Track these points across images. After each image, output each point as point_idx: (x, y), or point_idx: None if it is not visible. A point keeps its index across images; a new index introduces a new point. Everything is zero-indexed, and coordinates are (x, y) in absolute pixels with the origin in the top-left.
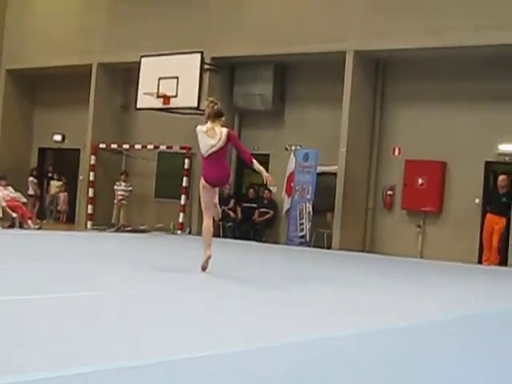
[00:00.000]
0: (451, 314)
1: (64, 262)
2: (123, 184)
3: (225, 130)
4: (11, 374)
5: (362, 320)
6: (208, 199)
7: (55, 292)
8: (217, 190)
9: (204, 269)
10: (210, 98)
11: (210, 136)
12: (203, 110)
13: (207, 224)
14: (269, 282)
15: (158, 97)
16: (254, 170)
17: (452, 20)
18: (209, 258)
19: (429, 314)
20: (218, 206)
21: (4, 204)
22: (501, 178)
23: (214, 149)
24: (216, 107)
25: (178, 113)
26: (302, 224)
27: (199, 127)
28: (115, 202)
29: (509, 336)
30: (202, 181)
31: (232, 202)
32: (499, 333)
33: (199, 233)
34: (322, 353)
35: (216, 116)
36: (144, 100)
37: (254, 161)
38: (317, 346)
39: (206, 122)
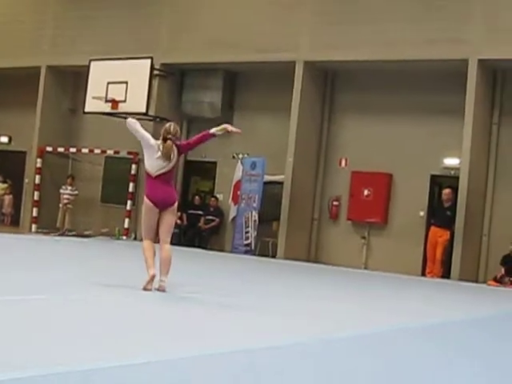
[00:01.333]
0: (396, 323)
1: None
2: (69, 188)
3: (175, 148)
4: None
5: (306, 328)
6: (151, 223)
7: None
8: (166, 216)
9: (147, 290)
10: (177, 128)
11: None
12: (152, 116)
13: (146, 244)
14: (212, 290)
15: (107, 101)
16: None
17: (401, 34)
18: (152, 278)
19: (373, 324)
20: (169, 237)
21: None
22: (446, 191)
23: (164, 170)
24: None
25: (127, 118)
26: (247, 232)
27: (152, 141)
28: (61, 205)
29: (454, 345)
30: (146, 200)
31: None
32: (446, 342)
33: None
34: (275, 360)
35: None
36: (92, 104)
37: (212, 129)
38: (264, 354)
39: (158, 140)
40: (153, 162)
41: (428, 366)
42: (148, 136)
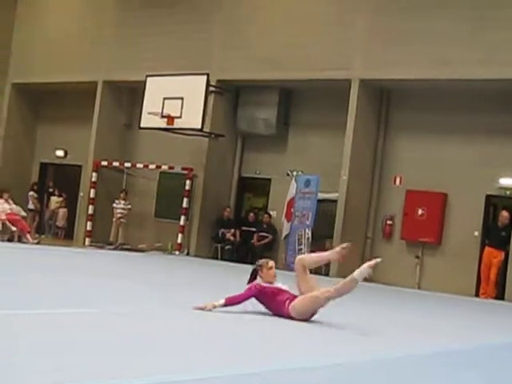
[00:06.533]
0: (443, 345)
1: (62, 277)
2: (122, 202)
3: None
4: None
5: (353, 349)
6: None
7: (50, 308)
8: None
9: None
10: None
11: None
12: (207, 132)
13: None
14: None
15: (162, 117)
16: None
17: (458, 53)
18: None
19: (423, 345)
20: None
21: (4, 217)
22: (505, 214)
23: None
24: None
25: (182, 133)
26: (300, 250)
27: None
28: (114, 220)
29: (505, 370)
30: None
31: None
32: (495, 366)
33: (197, 254)
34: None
35: None
36: (148, 119)
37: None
38: (314, 373)
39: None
40: None
41: None
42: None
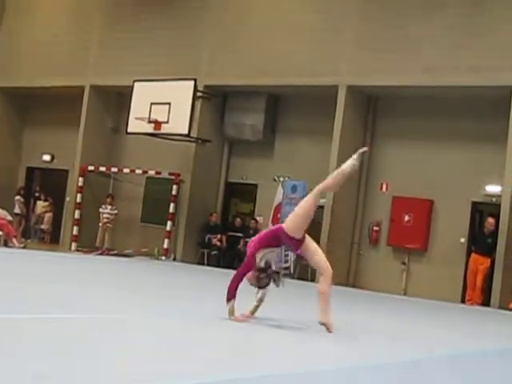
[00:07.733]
0: (432, 352)
1: (48, 283)
2: (109, 207)
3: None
4: None
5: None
6: None
7: (35, 313)
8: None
9: None
10: None
11: None
12: (194, 138)
13: None
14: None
15: (150, 122)
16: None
17: (445, 60)
18: None
19: (409, 353)
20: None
21: None
22: (491, 221)
23: None
24: None
25: (169, 139)
26: (286, 255)
27: None
28: (100, 224)
29: (490, 376)
30: None
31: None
32: (480, 373)
33: (183, 259)
34: None
35: None
36: (135, 124)
37: None
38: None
39: None
40: None
41: None
42: None
